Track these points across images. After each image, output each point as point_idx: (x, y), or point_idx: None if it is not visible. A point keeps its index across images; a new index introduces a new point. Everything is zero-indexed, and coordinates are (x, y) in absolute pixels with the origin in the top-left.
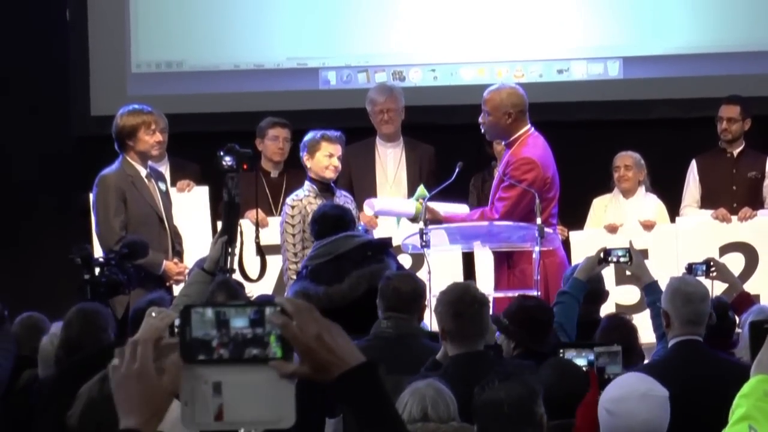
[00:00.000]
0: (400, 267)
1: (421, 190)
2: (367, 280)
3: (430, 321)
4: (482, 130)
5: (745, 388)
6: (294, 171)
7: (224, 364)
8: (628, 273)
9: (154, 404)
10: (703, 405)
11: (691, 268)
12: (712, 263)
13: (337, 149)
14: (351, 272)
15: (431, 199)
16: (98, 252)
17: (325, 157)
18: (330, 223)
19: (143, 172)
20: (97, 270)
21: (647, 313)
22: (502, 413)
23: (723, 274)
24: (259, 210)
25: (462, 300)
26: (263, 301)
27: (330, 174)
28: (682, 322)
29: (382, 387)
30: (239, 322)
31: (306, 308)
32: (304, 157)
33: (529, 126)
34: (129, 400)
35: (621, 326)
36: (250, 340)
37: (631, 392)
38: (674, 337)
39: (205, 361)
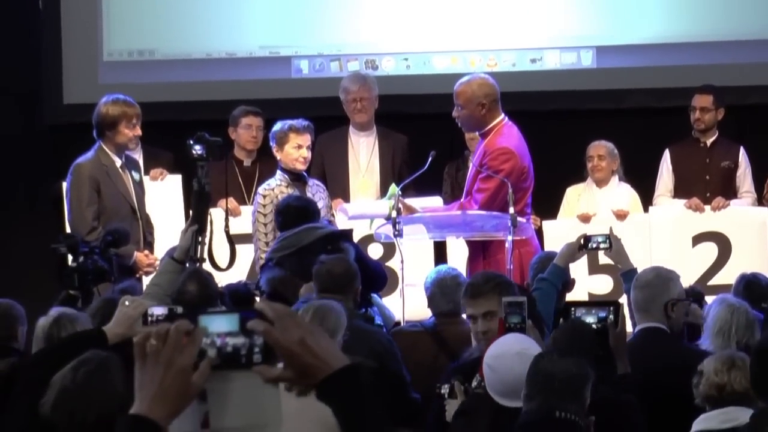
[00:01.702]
0: (361, 256)
1: (393, 188)
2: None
3: (403, 308)
4: (459, 124)
5: None
6: (267, 159)
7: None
8: (604, 259)
9: (182, 401)
10: (664, 391)
11: (588, 240)
12: (609, 236)
13: (305, 139)
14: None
15: (404, 186)
16: None
17: (294, 149)
18: (293, 214)
19: (118, 162)
20: (81, 258)
21: (622, 302)
22: (552, 386)
23: (617, 253)
24: (232, 199)
25: None
26: (243, 309)
27: (300, 165)
28: (634, 308)
29: (366, 388)
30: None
31: (287, 313)
32: (274, 148)
33: (502, 115)
34: (159, 389)
35: None
36: (233, 347)
37: (508, 350)
38: (638, 324)
39: None
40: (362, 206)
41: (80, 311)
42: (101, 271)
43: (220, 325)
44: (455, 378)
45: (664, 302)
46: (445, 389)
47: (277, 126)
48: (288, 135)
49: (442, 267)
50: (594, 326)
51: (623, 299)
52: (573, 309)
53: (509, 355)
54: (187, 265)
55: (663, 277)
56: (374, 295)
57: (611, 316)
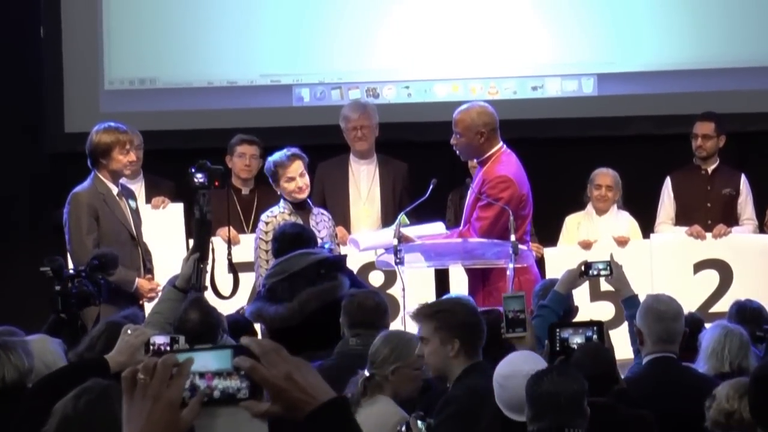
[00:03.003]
0: (356, 284)
1: (402, 218)
2: (318, 297)
3: None
4: (457, 152)
5: None
6: (265, 188)
7: None
8: (605, 286)
9: None
10: (679, 420)
11: (589, 267)
12: (610, 263)
13: (294, 169)
14: (303, 290)
15: (406, 215)
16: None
17: (288, 183)
18: (288, 241)
19: (115, 189)
20: (68, 282)
21: (623, 328)
22: (558, 404)
23: (617, 280)
24: (231, 227)
25: None
26: (229, 345)
27: (300, 195)
28: (654, 340)
29: (353, 420)
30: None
31: (273, 348)
32: (274, 185)
33: (501, 143)
34: (147, 424)
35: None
36: (221, 393)
37: (518, 371)
38: (648, 354)
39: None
40: (372, 237)
41: (63, 335)
42: (85, 296)
43: (206, 362)
44: (414, 414)
45: (682, 331)
46: (402, 427)
47: (266, 165)
48: (277, 171)
49: (453, 294)
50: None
51: (622, 328)
52: (558, 330)
53: (519, 376)
54: (189, 293)
55: (681, 307)
56: None
57: (595, 336)
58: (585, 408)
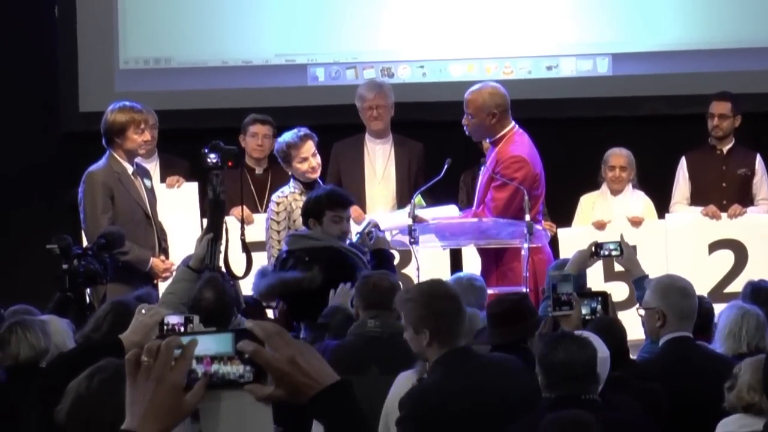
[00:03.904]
0: (331, 279)
1: (418, 199)
2: (278, 288)
3: None
4: (466, 132)
5: None
6: (278, 167)
7: None
8: (619, 267)
9: (172, 418)
10: (698, 399)
11: (600, 247)
12: (621, 243)
13: (307, 149)
14: (278, 274)
15: (421, 195)
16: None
17: (300, 163)
18: (304, 212)
19: (130, 169)
20: (75, 260)
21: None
22: (574, 373)
23: (628, 260)
24: (245, 207)
25: (440, 297)
26: (231, 329)
27: (313, 175)
28: (679, 316)
29: (356, 403)
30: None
31: (276, 332)
32: (285, 166)
33: (513, 123)
34: (150, 406)
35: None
36: (220, 380)
37: None
38: (666, 333)
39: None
40: (390, 219)
41: (70, 313)
42: (92, 274)
43: (207, 346)
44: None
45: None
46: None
47: (276, 146)
48: (289, 152)
49: (462, 273)
50: (588, 317)
51: (635, 309)
52: None
53: None
54: (203, 273)
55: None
56: None
57: (600, 306)
58: (597, 373)
